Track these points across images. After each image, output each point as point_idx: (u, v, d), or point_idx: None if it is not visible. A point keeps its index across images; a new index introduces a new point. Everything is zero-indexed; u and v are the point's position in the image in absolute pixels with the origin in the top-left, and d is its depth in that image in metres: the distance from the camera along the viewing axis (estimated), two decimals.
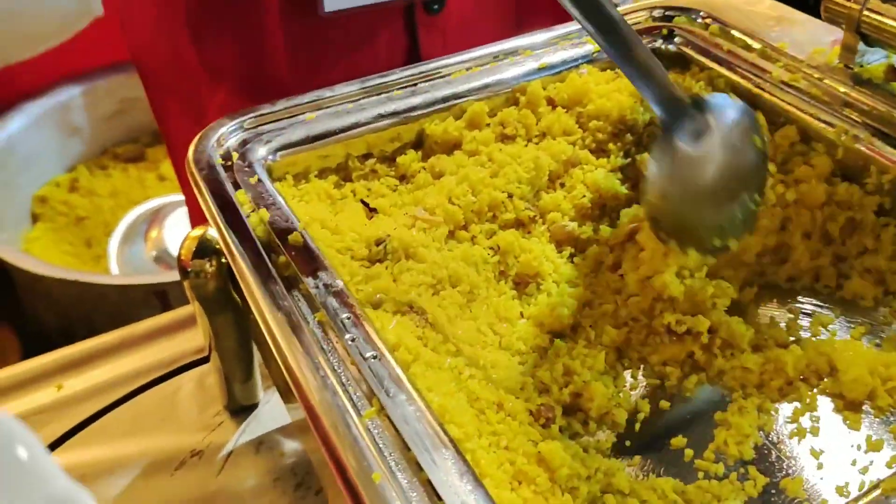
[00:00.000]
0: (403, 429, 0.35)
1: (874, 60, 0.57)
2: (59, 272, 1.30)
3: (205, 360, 0.69)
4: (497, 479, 0.39)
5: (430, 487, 0.33)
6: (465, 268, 0.50)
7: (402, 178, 0.58)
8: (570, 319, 0.50)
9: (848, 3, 0.55)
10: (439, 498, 0.32)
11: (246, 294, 0.43)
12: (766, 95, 0.58)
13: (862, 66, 0.57)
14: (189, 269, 0.54)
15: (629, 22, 0.63)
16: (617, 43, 0.47)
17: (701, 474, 0.42)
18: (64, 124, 1.64)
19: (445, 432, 0.36)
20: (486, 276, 0.52)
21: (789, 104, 0.57)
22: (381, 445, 0.35)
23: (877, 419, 0.44)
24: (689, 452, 0.43)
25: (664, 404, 0.46)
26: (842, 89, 0.56)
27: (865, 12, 0.54)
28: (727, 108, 0.50)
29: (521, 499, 0.39)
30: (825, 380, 0.45)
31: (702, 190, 0.48)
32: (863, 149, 0.53)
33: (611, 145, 0.58)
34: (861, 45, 0.56)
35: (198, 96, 0.69)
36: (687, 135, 0.48)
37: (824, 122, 0.55)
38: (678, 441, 0.44)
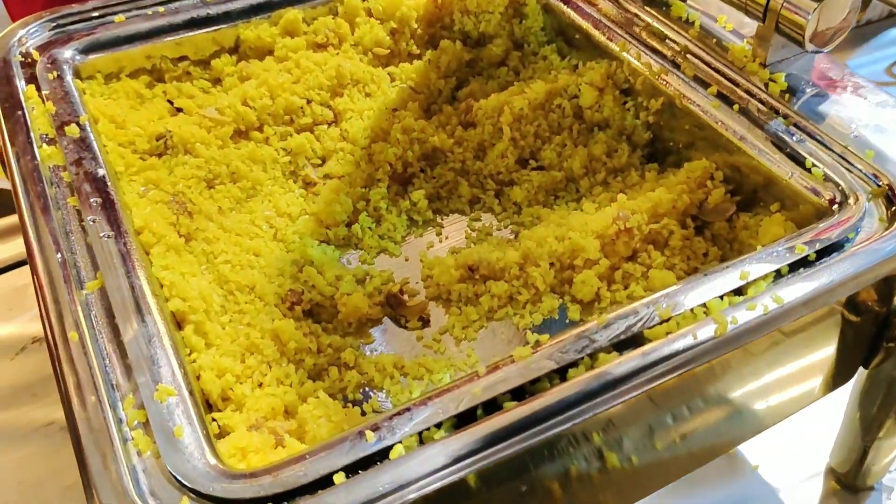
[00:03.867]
0: (115, 299, 0.39)
1: None
2: None
3: None
4: (226, 349, 0.43)
5: (121, 349, 0.37)
6: (249, 165, 0.54)
7: (217, 82, 0.60)
8: (346, 217, 0.53)
9: None
10: (125, 356, 0.37)
11: (9, 180, 0.46)
12: (570, 12, 0.61)
13: None
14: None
15: None
16: None
17: (425, 352, 0.47)
18: None
19: (158, 304, 0.40)
20: (274, 175, 0.55)
21: (586, 21, 0.60)
22: (91, 312, 0.39)
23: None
24: (419, 334, 0.48)
25: (412, 298, 0.50)
26: (630, 8, 0.59)
27: None
28: None
29: (246, 366, 0.43)
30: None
31: None
32: (638, 67, 0.56)
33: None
34: None
35: None
36: None
37: (609, 38, 0.58)
38: (414, 324, 0.48)
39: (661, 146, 0.56)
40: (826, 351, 0.49)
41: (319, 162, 0.57)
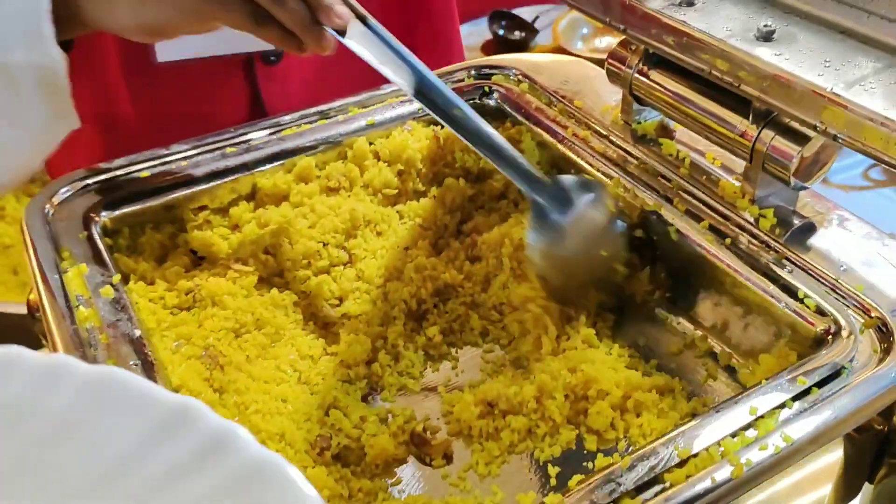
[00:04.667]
0: None
1: (651, 118, 0.64)
2: None
3: None
4: None
5: None
6: (272, 311, 0.57)
7: (235, 228, 0.64)
8: (365, 356, 0.56)
9: (623, 68, 0.62)
10: None
11: (49, 344, 0.48)
12: (563, 149, 0.66)
13: (640, 122, 0.64)
14: (36, 314, 0.60)
15: (453, 80, 0.71)
16: (487, 149, 0.58)
17: (451, 491, 0.49)
18: None
19: None
20: (295, 319, 0.58)
21: (579, 157, 0.64)
22: None
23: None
24: (445, 472, 0.50)
25: (435, 436, 0.52)
26: (622, 145, 0.63)
27: (635, 77, 0.62)
28: (580, 185, 0.59)
29: None
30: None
31: (574, 248, 0.58)
32: (630, 200, 0.60)
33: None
34: (639, 105, 0.64)
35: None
36: (553, 208, 0.57)
37: (604, 174, 0.62)
38: (439, 462, 0.50)
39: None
40: (832, 469, 0.51)
41: (337, 302, 0.60)
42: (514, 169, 0.58)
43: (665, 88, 0.60)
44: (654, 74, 0.61)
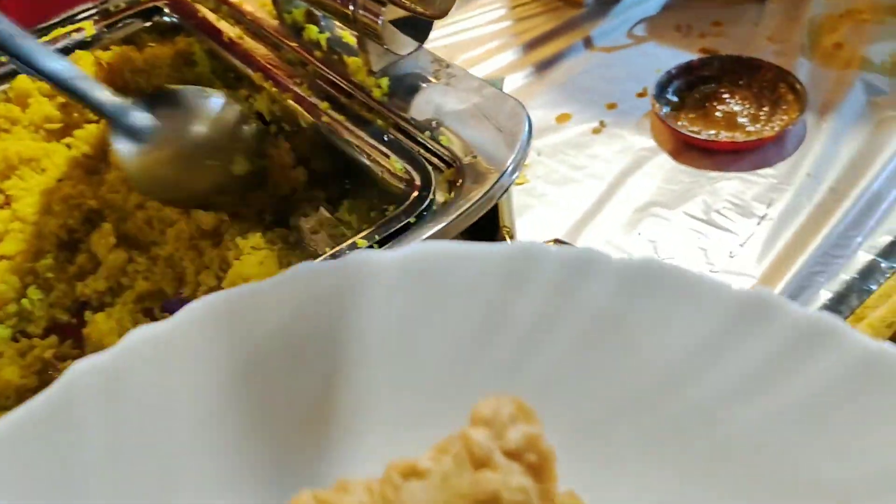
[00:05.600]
0: None
1: (301, 5, 0.62)
2: None
3: None
4: None
5: None
6: None
7: None
8: (14, 294, 0.55)
9: None
10: None
11: None
12: (224, 53, 0.64)
13: (290, 12, 0.62)
14: None
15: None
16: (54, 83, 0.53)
17: None
18: None
19: None
20: None
21: (235, 57, 0.63)
22: None
23: None
24: None
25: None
26: (273, 39, 0.61)
27: None
28: (175, 96, 0.57)
29: None
30: None
31: (173, 171, 0.56)
32: (274, 94, 0.59)
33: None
34: None
35: None
36: (137, 131, 0.55)
37: (257, 69, 0.61)
38: None
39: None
40: None
41: None
42: (81, 98, 0.54)
43: None
44: None
